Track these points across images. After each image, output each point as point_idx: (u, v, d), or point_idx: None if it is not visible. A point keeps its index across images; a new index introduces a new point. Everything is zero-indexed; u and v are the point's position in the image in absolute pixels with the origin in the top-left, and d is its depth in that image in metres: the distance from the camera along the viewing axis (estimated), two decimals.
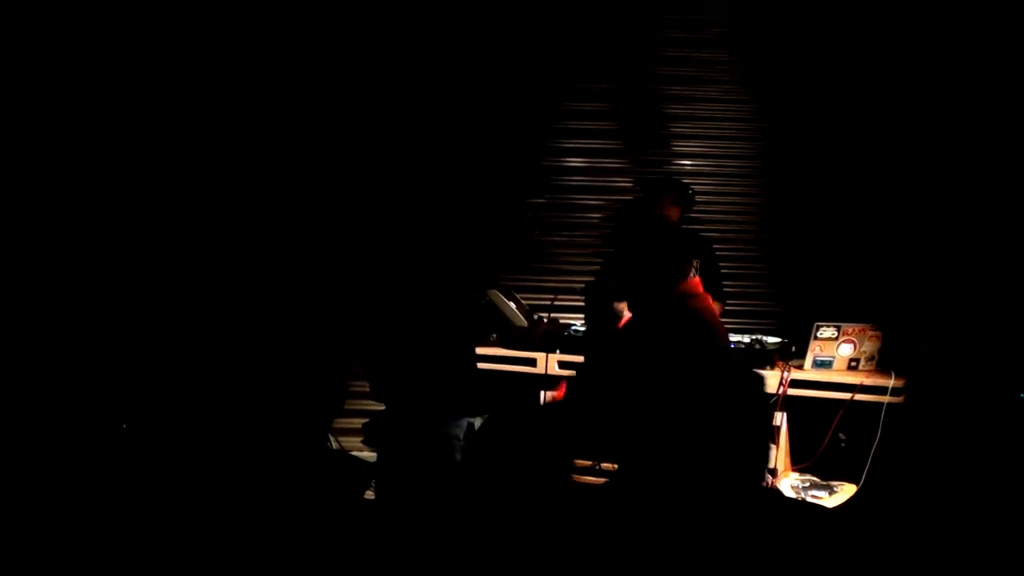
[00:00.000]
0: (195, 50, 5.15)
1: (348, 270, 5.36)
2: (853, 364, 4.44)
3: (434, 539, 4.02)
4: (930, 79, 5.15)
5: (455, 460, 4.47)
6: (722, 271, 5.14)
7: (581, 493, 4.37)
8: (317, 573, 3.90)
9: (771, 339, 4.53)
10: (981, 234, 5.03)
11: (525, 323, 4.78)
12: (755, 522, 3.49)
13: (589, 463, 4.47)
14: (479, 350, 4.63)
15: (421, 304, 4.42)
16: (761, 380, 4.29)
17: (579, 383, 4.21)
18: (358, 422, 5.37)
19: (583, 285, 4.61)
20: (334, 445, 5.14)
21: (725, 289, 5.10)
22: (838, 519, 3.94)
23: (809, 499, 4.25)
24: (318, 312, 5.30)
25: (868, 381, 4.27)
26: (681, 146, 5.49)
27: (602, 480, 4.35)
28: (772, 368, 4.38)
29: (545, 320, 4.86)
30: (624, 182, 5.51)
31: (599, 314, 3.91)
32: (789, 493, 4.33)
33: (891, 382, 4.22)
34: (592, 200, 5.53)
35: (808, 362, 4.44)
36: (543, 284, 5.48)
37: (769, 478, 4.43)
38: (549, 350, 4.56)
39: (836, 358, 4.41)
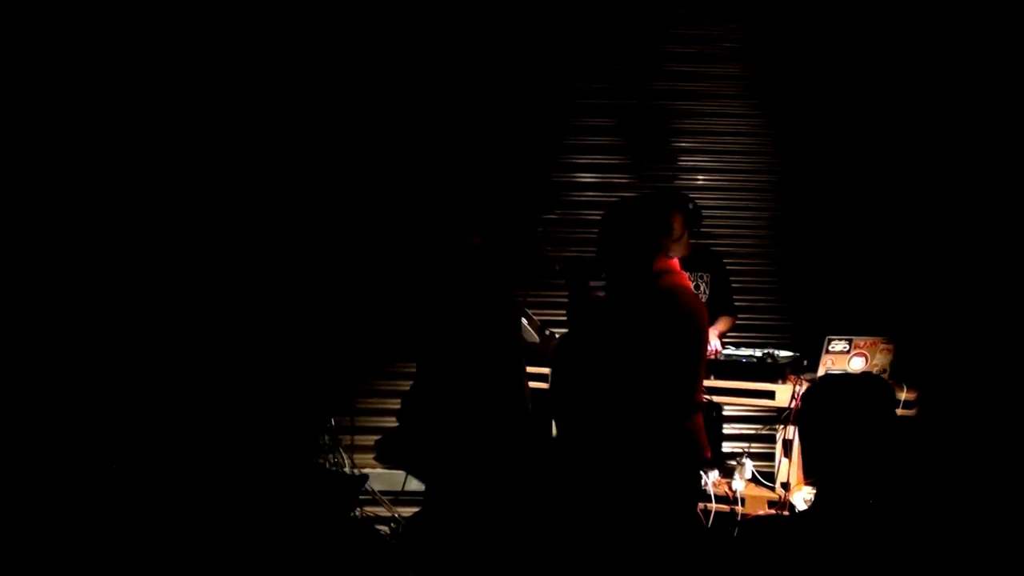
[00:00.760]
0: (194, 50, 5.17)
1: (348, 270, 5.36)
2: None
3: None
4: (937, 94, 5.16)
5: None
6: (733, 285, 5.15)
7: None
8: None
9: (783, 353, 4.54)
10: (992, 248, 5.03)
11: (537, 339, 4.79)
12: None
13: None
14: None
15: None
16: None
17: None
18: (370, 439, 5.37)
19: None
20: (346, 462, 5.13)
21: (736, 303, 5.11)
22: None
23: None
24: (318, 312, 5.30)
25: None
26: (691, 161, 5.50)
27: None
28: (784, 382, 4.39)
29: (557, 336, 4.86)
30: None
31: (576, 293, 3.75)
32: (802, 507, 4.33)
33: (903, 395, 4.22)
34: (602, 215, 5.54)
35: (820, 376, 4.45)
36: (555, 300, 5.48)
37: (782, 492, 4.43)
38: None
39: (848, 371, 4.41)
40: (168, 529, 4.04)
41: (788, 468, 4.43)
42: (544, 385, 4.56)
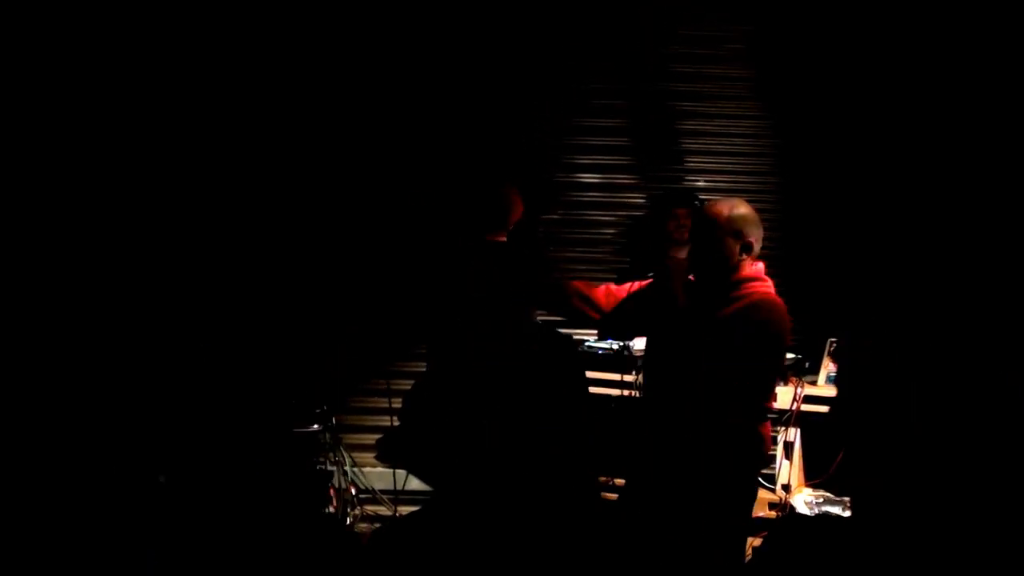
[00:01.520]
0: (194, 50, 5.17)
1: (348, 270, 5.36)
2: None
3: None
4: (938, 96, 5.15)
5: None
6: None
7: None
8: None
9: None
10: (993, 248, 5.02)
11: None
12: None
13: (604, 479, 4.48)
14: None
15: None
16: None
17: None
18: (371, 438, 5.38)
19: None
20: (347, 462, 5.13)
21: None
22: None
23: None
24: (318, 312, 5.30)
25: None
26: (695, 162, 5.49)
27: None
28: (786, 384, 4.38)
29: None
30: (638, 198, 5.52)
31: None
32: (803, 509, 4.33)
33: None
34: (606, 216, 5.54)
35: (822, 378, 4.45)
36: None
37: (783, 494, 4.43)
38: None
39: None
40: (168, 529, 4.05)
41: (789, 470, 4.43)
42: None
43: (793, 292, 5.38)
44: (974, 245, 5.07)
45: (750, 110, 5.45)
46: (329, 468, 4.90)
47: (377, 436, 5.40)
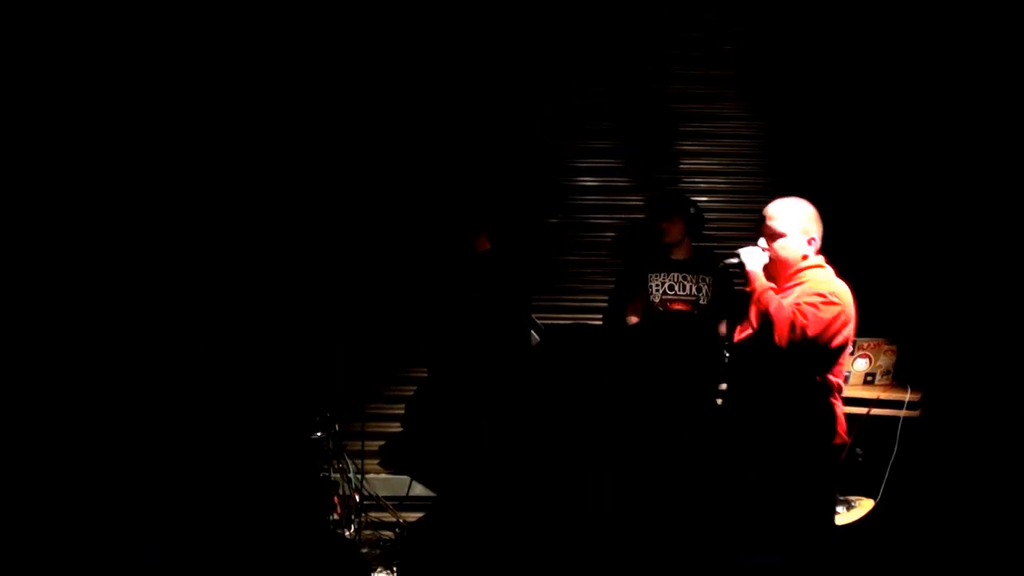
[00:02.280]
0: (195, 50, 5.18)
1: (348, 270, 5.36)
2: (869, 379, 4.43)
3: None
4: (938, 94, 5.15)
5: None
6: (735, 287, 5.13)
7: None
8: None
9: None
10: (993, 249, 5.01)
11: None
12: None
13: None
14: None
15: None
16: None
17: None
18: (375, 444, 5.37)
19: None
20: (350, 468, 5.13)
21: None
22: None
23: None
24: (318, 312, 5.30)
25: (884, 395, 4.26)
26: (694, 163, 5.49)
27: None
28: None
29: None
30: (637, 200, 5.51)
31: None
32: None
33: (907, 396, 4.22)
34: (606, 219, 5.54)
35: None
36: (558, 304, 5.48)
37: None
38: None
39: (852, 373, 4.40)
40: (168, 529, 4.05)
41: None
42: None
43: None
44: (974, 244, 5.06)
45: (747, 111, 5.45)
46: (333, 475, 4.89)
47: (381, 442, 5.40)
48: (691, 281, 4.93)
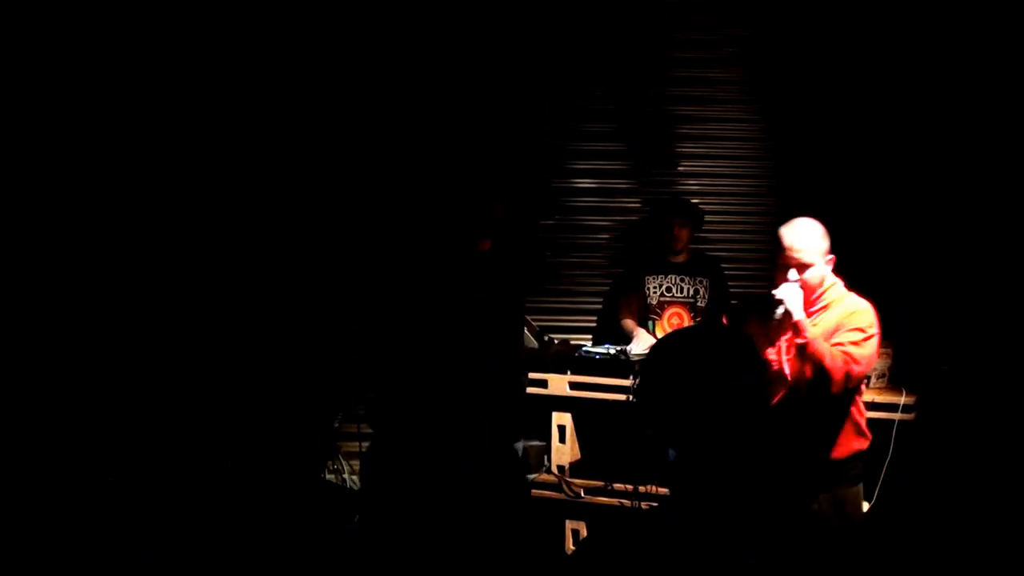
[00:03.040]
0: (195, 49, 5.16)
1: (348, 270, 5.36)
2: (864, 381, 4.43)
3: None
4: (937, 97, 5.16)
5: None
6: (732, 290, 5.15)
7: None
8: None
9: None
10: (991, 249, 5.03)
11: (536, 344, 4.79)
12: None
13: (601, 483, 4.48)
14: None
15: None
16: None
17: None
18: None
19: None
20: (345, 469, 5.13)
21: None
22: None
23: None
24: (318, 312, 5.30)
25: (879, 398, 4.26)
26: (691, 166, 5.50)
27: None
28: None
29: (556, 341, 4.87)
30: (634, 203, 5.52)
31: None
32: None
33: (902, 399, 4.22)
34: (602, 221, 5.55)
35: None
36: (554, 305, 5.49)
37: None
38: (560, 371, 4.58)
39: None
40: (168, 529, 4.04)
41: None
42: (541, 391, 4.58)
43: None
44: (972, 245, 5.07)
45: (746, 113, 5.46)
46: (327, 476, 4.89)
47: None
48: (688, 283, 4.95)
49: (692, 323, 4.87)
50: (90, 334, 4.86)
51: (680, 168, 5.50)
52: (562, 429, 4.56)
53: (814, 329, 3.50)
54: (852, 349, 3.42)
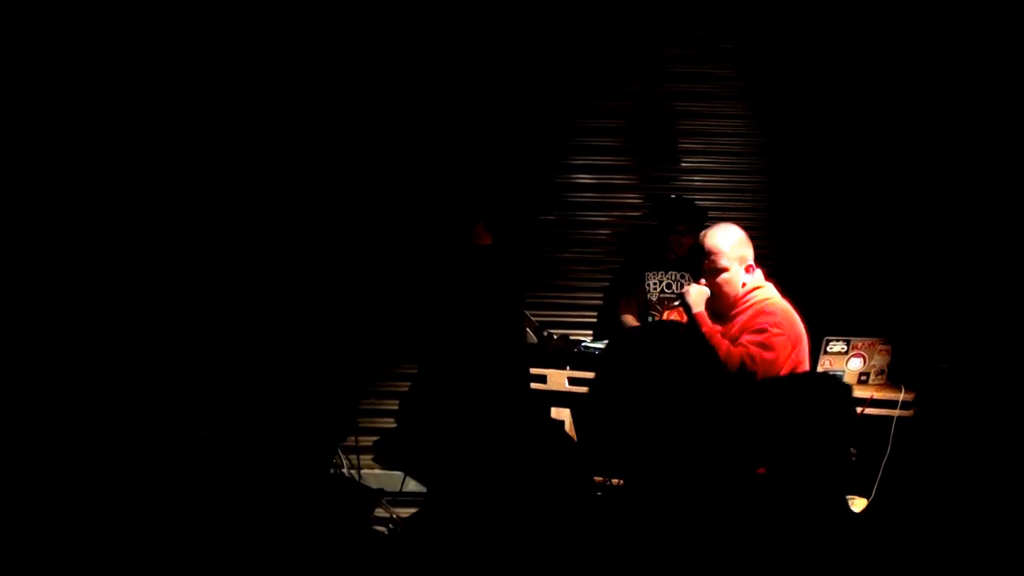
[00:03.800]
0: (194, 49, 5.16)
1: (348, 270, 5.36)
2: (863, 378, 4.45)
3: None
4: (934, 93, 5.16)
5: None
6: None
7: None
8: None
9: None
10: (990, 247, 5.03)
11: (535, 339, 4.79)
12: None
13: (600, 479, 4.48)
14: None
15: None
16: None
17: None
18: (368, 440, 5.37)
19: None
20: (344, 464, 5.13)
21: None
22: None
23: None
24: (318, 312, 5.30)
25: (878, 395, 4.28)
26: (690, 162, 5.50)
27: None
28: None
29: (555, 337, 4.86)
30: (634, 198, 5.52)
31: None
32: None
33: (901, 396, 4.23)
34: (602, 217, 5.54)
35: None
36: (553, 301, 5.48)
37: None
38: (559, 366, 4.58)
39: (846, 372, 4.41)
40: (171, 528, 4.04)
41: None
42: (540, 386, 4.58)
43: (787, 290, 5.41)
44: (971, 243, 5.08)
45: (744, 109, 5.46)
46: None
47: (374, 438, 5.40)
48: (689, 280, 4.95)
49: None
50: (92, 335, 4.87)
51: (680, 164, 5.50)
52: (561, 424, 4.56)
53: (713, 326, 3.72)
54: (752, 348, 3.58)
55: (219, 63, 5.20)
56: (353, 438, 5.29)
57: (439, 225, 5.00)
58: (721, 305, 3.76)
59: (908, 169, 5.23)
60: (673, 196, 5.30)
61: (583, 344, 4.70)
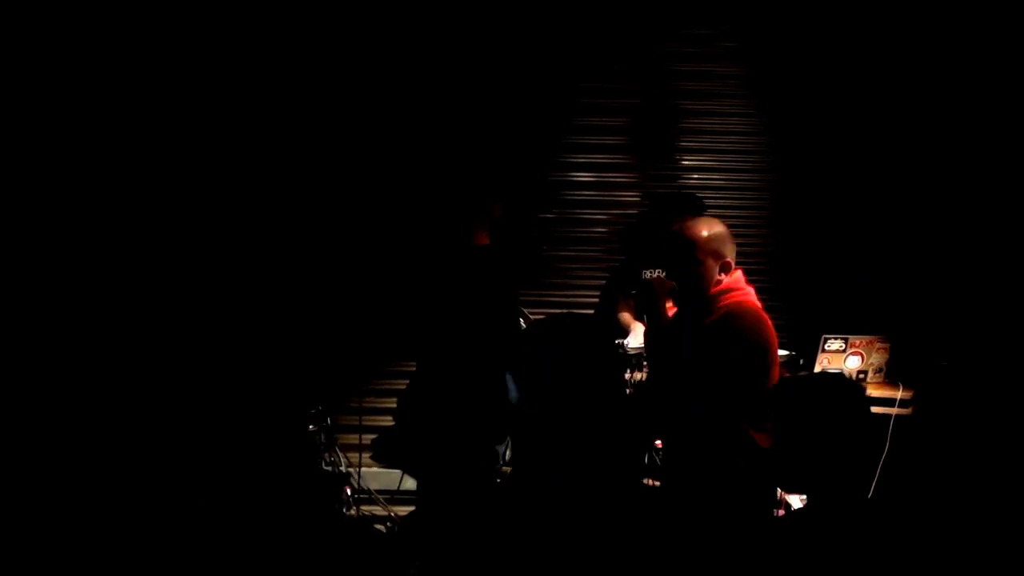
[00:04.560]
0: (194, 49, 5.16)
1: (347, 269, 5.35)
2: (861, 376, 4.44)
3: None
4: (935, 92, 5.16)
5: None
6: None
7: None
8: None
9: (779, 352, 4.53)
10: (989, 246, 5.03)
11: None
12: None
13: None
14: None
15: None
16: None
17: None
18: (366, 438, 5.37)
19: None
20: (342, 461, 5.13)
21: None
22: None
23: None
24: (317, 310, 5.29)
25: (876, 393, 4.27)
26: (689, 160, 5.49)
27: None
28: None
29: None
30: (632, 196, 5.52)
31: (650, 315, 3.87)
32: (798, 506, 4.32)
33: (899, 394, 4.23)
34: (600, 215, 5.54)
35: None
36: (551, 299, 5.48)
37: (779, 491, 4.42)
38: None
39: (844, 370, 4.41)
40: (165, 525, 4.04)
41: None
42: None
43: (786, 288, 5.42)
44: (970, 242, 5.08)
45: (744, 108, 5.45)
46: (324, 468, 4.90)
47: (373, 436, 5.40)
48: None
49: None
50: (89, 332, 4.88)
51: (679, 162, 5.50)
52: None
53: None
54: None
55: (219, 63, 5.20)
56: (355, 437, 5.28)
57: (438, 225, 5.00)
58: (692, 295, 3.45)
59: (908, 168, 5.23)
60: (672, 191, 5.30)
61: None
